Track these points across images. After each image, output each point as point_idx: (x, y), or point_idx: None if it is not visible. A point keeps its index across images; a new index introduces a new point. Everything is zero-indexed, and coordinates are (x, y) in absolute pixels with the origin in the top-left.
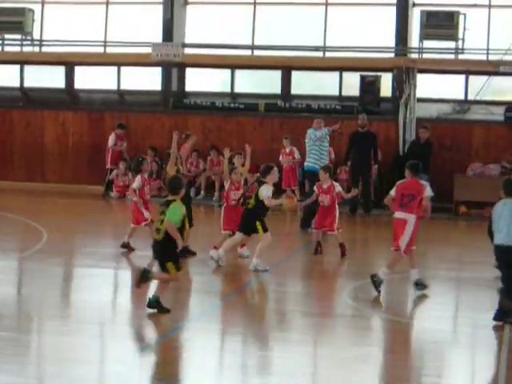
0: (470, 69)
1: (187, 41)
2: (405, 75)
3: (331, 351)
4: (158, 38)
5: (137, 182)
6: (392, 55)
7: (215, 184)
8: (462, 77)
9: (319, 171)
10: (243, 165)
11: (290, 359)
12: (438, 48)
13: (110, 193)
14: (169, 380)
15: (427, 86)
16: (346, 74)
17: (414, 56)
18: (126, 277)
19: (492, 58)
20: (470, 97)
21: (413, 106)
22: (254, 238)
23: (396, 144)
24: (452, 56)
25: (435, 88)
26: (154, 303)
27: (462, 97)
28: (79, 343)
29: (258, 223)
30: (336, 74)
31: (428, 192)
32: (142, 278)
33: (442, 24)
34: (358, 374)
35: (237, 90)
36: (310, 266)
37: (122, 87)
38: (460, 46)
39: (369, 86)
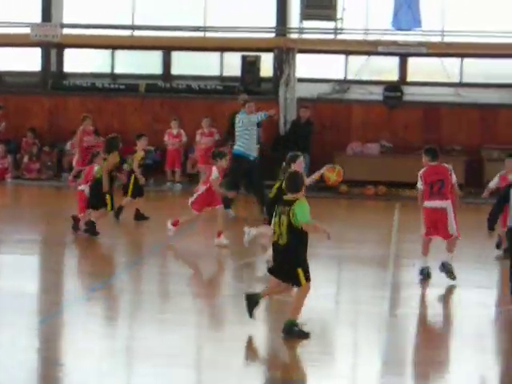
0: (349, 49)
1: (66, 21)
2: (285, 55)
3: (215, 332)
4: (36, 18)
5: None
6: (272, 35)
7: None
8: (342, 57)
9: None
10: (145, 150)
11: (173, 341)
12: (317, 28)
13: None
14: (52, 364)
15: (307, 65)
16: (226, 55)
17: (294, 36)
18: (7, 261)
19: (370, 38)
20: (350, 76)
21: (293, 85)
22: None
23: (277, 124)
24: (331, 36)
25: (315, 68)
26: (291, 327)
27: (341, 76)
28: None
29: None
30: (217, 55)
31: (455, 178)
32: (250, 303)
33: (321, 4)
34: (242, 353)
35: (117, 70)
36: (195, 248)
37: (0, 68)
38: (339, 26)
39: (249, 66)
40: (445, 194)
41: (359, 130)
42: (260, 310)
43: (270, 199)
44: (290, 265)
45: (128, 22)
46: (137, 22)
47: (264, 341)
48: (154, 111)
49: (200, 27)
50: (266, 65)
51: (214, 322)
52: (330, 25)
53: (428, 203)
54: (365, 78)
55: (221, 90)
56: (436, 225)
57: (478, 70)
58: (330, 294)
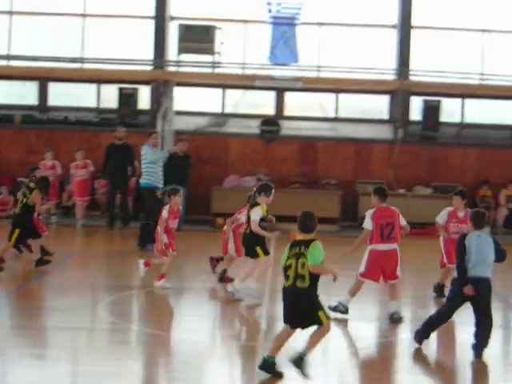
0: (227, 82)
1: None
2: (163, 88)
3: (89, 367)
4: None
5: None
6: (150, 68)
7: None
8: (219, 90)
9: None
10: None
11: (45, 377)
12: (195, 61)
13: None
14: None
15: (185, 98)
16: (103, 86)
17: (172, 69)
18: None
19: (247, 72)
20: (227, 110)
21: (171, 118)
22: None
23: None
24: (209, 70)
25: (193, 101)
26: (299, 360)
27: (219, 110)
28: None
29: (258, 248)
30: (94, 86)
31: (403, 221)
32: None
33: (199, 38)
34: None
35: None
36: (69, 282)
37: None
38: (217, 60)
39: (126, 99)
40: (395, 237)
41: (236, 164)
42: (134, 345)
43: (246, 234)
44: (313, 308)
45: (3, 52)
46: (13, 52)
47: (141, 376)
48: (30, 143)
49: (77, 58)
50: (144, 97)
51: (89, 357)
52: (207, 58)
53: (379, 246)
54: (242, 111)
55: (97, 122)
56: (383, 268)
57: (353, 105)
58: (205, 328)
